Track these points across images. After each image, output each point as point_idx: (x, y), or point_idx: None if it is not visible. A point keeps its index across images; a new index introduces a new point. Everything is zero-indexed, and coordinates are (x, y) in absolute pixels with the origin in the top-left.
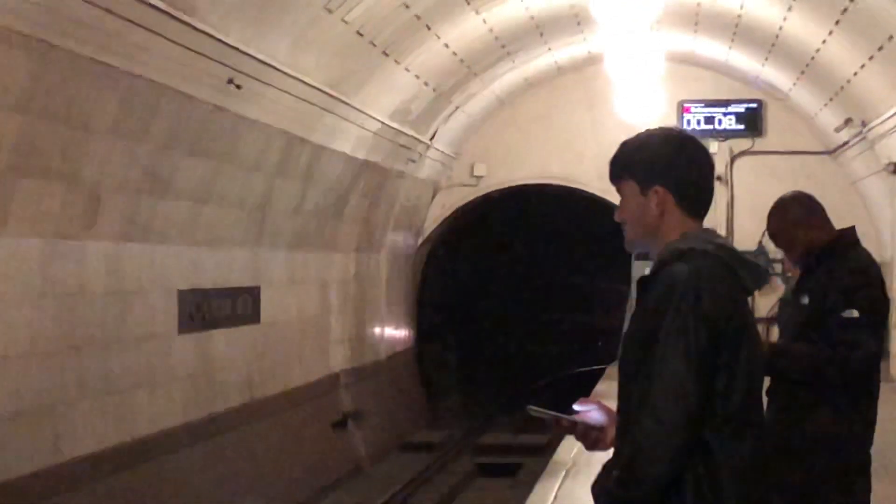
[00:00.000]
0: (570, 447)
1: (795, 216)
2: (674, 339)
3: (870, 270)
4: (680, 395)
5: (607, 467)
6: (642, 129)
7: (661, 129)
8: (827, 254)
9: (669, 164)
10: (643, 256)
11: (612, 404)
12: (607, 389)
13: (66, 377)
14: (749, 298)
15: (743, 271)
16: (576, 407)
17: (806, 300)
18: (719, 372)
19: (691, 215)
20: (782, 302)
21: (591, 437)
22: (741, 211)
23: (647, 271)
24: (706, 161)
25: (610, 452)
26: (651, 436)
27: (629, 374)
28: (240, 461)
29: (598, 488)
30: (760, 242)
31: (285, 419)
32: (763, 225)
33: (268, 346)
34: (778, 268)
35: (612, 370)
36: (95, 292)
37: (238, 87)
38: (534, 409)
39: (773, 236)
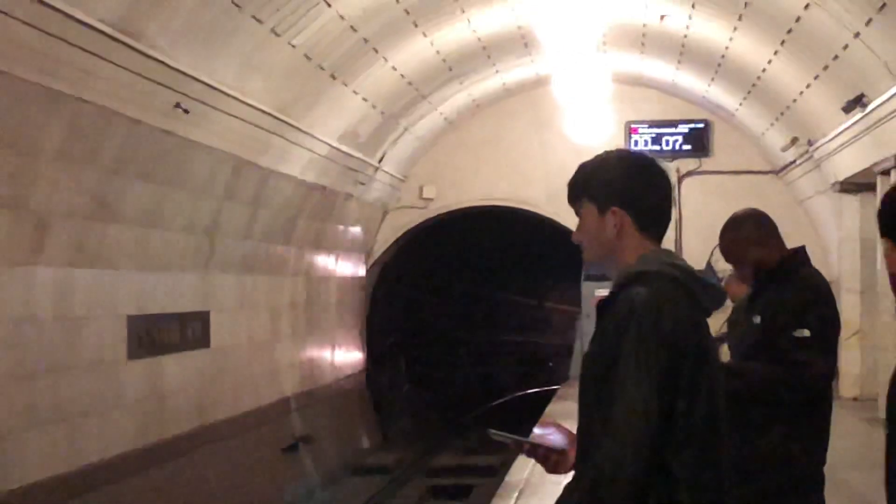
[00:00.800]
0: (522, 468)
1: (749, 233)
2: (634, 362)
3: (820, 289)
4: (641, 417)
5: (569, 489)
6: (590, 151)
7: (619, 150)
8: (778, 273)
9: (627, 186)
10: (593, 277)
11: (569, 425)
12: (560, 410)
13: (15, 404)
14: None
15: (701, 292)
16: (536, 430)
17: (758, 319)
18: (680, 395)
19: (649, 236)
20: (731, 322)
21: (551, 460)
22: (689, 230)
23: (597, 293)
24: (664, 183)
25: (570, 475)
26: (613, 458)
27: (589, 397)
28: (191, 487)
29: None
30: (709, 262)
31: (236, 444)
32: (711, 244)
33: (218, 370)
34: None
35: (564, 391)
36: (45, 318)
37: (186, 111)
38: (495, 433)
39: (725, 253)
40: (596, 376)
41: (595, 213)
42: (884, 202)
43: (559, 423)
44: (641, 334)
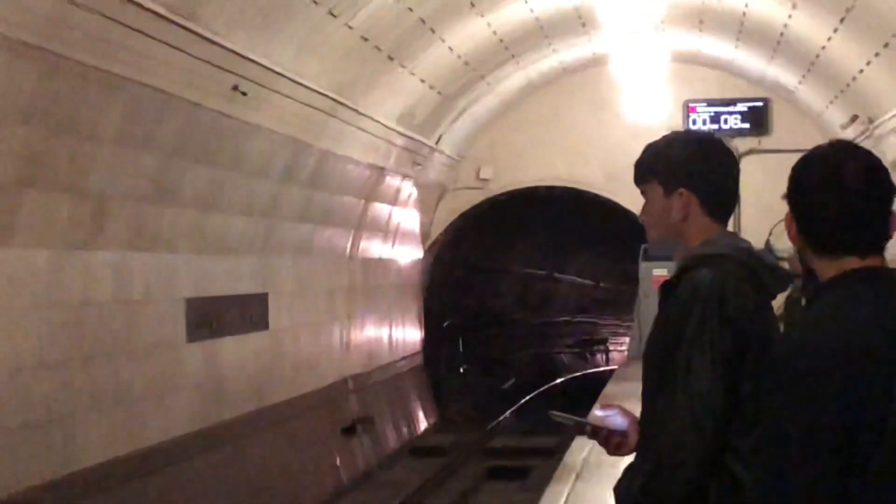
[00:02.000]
0: (580, 450)
1: None
2: (699, 345)
3: None
4: (707, 400)
5: (631, 468)
6: (647, 130)
7: (686, 131)
8: None
9: (694, 168)
10: (651, 258)
11: (630, 406)
12: (619, 391)
13: (76, 387)
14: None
15: (766, 275)
16: (597, 412)
17: (804, 303)
18: (744, 378)
19: (715, 219)
20: (789, 301)
21: (613, 442)
22: (748, 209)
23: (655, 273)
24: (731, 165)
25: (632, 456)
26: (676, 442)
27: (653, 379)
28: (250, 469)
29: (623, 492)
30: (768, 241)
31: (294, 426)
32: (770, 224)
33: (276, 352)
34: (786, 266)
35: (622, 371)
36: (104, 302)
37: (244, 93)
38: (556, 415)
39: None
40: (659, 359)
41: (661, 194)
42: (790, 180)
43: (621, 405)
44: (705, 317)
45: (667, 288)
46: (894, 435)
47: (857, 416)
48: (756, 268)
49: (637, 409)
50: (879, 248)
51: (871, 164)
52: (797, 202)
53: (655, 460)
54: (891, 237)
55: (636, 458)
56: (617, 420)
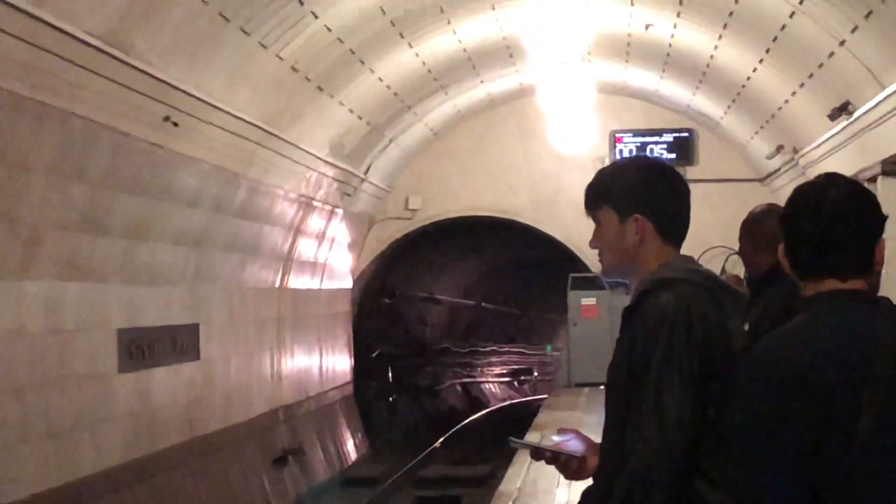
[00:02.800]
0: (514, 478)
1: (744, 241)
2: (668, 369)
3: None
4: (675, 425)
5: (589, 493)
6: (574, 160)
7: (637, 157)
8: (767, 279)
9: (649, 192)
10: (578, 287)
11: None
12: (549, 420)
13: (7, 419)
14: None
15: (724, 298)
16: (555, 437)
17: (746, 326)
18: (711, 401)
19: (670, 243)
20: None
21: (572, 467)
22: None
23: (583, 301)
24: (684, 189)
25: (588, 481)
26: (648, 466)
27: (618, 405)
28: (181, 500)
29: None
30: (723, 268)
31: (226, 456)
32: (696, 253)
33: (207, 383)
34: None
35: (552, 400)
36: (35, 332)
37: (175, 124)
38: (515, 441)
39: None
40: (625, 384)
41: (615, 219)
42: (784, 208)
43: (578, 430)
44: (673, 342)
45: (628, 312)
46: (861, 448)
47: (825, 430)
48: (714, 290)
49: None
50: (861, 273)
51: (852, 192)
52: (785, 230)
53: (627, 484)
54: (877, 262)
55: (595, 482)
56: (574, 445)
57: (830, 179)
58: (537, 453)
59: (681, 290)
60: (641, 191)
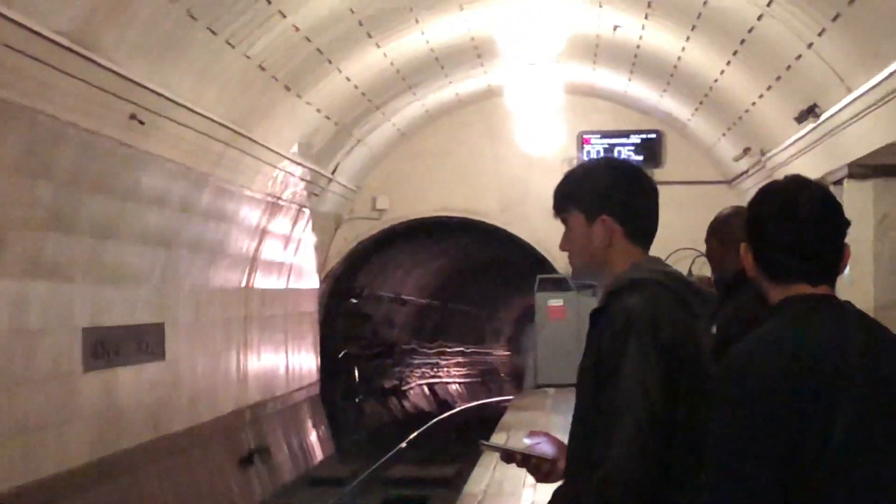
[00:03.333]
0: (480, 479)
1: (711, 243)
2: (638, 371)
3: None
4: (648, 426)
5: (559, 494)
6: (542, 161)
7: (605, 158)
8: (735, 283)
9: (616, 194)
10: (545, 288)
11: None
12: (515, 420)
13: None
14: None
15: (692, 299)
16: (525, 440)
17: (714, 329)
18: (679, 403)
19: (638, 245)
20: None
21: (542, 469)
22: None
23: (550, 303)
24: (652, 190)
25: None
26: (623, 467)
27: (586, 408)
28: (146, 499)
29: None
30: (689, 270)
31: (191, 456)
32: (663, 255)
33: (173, 382)
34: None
35: (519, 401)
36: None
37: (142, 122)
38: (486, 444)
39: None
40: (593, 386)
41: (583, 222)
42: (749, 209)
43: (548, 433)
44: (641, 344)
45: (596, 315)
46: (837, 451)
47: (800, 433)
48: (682, 292)
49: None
50: (829, 278)
51: (824, 197)
52: (752, 232)
53: (601, 487)
54: (842, 269)
55: (565, 483)
56: (545, 448)
57: (800, 182)
58: (509, 456)
59: (649, 291)
60: (609, 193)
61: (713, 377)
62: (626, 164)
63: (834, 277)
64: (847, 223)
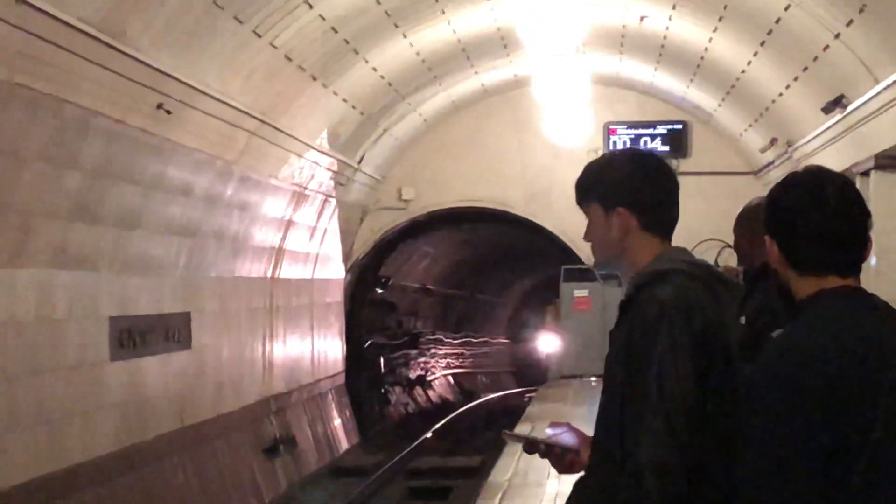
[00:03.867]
0: (504, 470)
1: (740, 232)
2: (670, 361)
3: None
4: (684, 413)
5: (582, 484)
6: (568, 152)
7: (624, 150)
8: (762, 273)
9: (632, 186)
10: (570, 279)
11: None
12: (540, 411)
13: None
14: None
15: (721, 289)
16: (548, 430)
17: (743, 320)
18: (709, 395)
19: (657, 236)
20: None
21: (564, 460)
22: None
23: (576, 293)
24: (670, 180)
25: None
26: (659, 461)
27: (616, 398)
28: (172, 488)
29: None
30: (716, 261)
31: (216, 445)
32: (689, 246)
33: (199, 372)
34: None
35: (543, 392)
36: (26, 321)
37: (168, 112)
38: (508, 434)
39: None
40: (623, 377)
41: (601, 213)
42: (769, 204)
43: (570, 424)
44: (674, 335)
45: (625, 305)
46: (877, 445)
47: (843, 427)
48: (710, 281)
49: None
50: (857, 269)
51: (849, 187)
52: (779, 224)
53: (636, 477)
54: (865, 259)
55: (587, 474)
56: (567, 438)
57: (824, 173)
58: (531, 446)
59: (678, 282)
60: (624, 185)
61: (742, 369)
62: (644, 155)
63: (860, 269)
64: (870, 214)
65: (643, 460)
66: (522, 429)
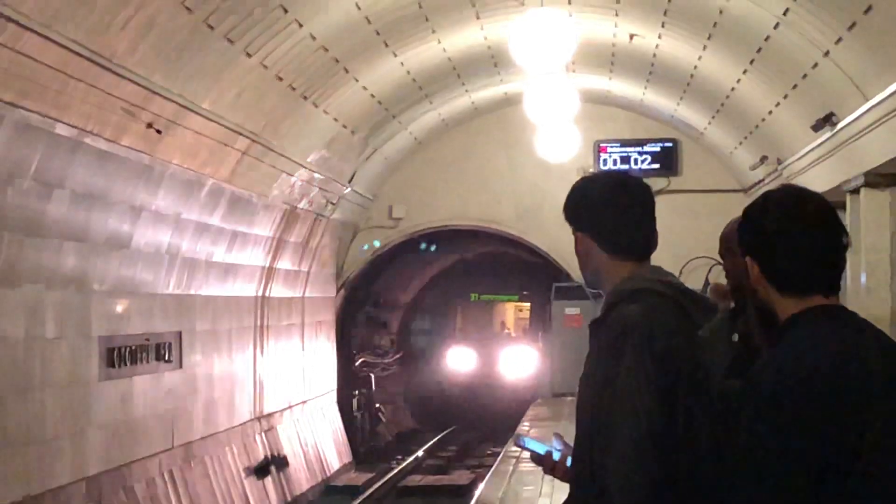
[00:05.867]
0: (496, 487)
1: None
2: (633, 382)
3: None
4: (646, 437)
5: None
6: (559, 169)
7: (599, 173)
8: (755, 290)
9: (589, 210)
10: (561, 296)
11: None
12: (528, 429)
13: None
14: None
15: (692, 307)
16: (555, 443)
17: (736, 337)
18: (677, 412)
19: (624, 259)
20: (713, 333)
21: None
22: (658, 248)
23: (566, 311)
24: (635, 204)
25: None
26: (624, 481)
27: (587, 416)
28: None
29: None
30: (678, 278)
31: (207, 464)
32: (680, 263)
33: (189, 391)
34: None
35: (534, 410)
36: (17, 340)
37: (158, 131)
38: (520, 441)
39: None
40: (594, 396)
41: (576, 235)
42: (748, 224)
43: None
44: (636, 353)
45: (596, 325)
46: (868, 459)
47: (836, 440)
48: (681, 300)
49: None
50: (838, 288)
51: (827, 207)
52: (759, 246)
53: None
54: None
55: (571, 494)
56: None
57: (801, 194)
58: (541, 459)
59: (646, 301)
60: (582, 208)
61: (728, 384)
62: (610, 178)
63: (839, 287)
64: (847, 232)
65: (615, 490)
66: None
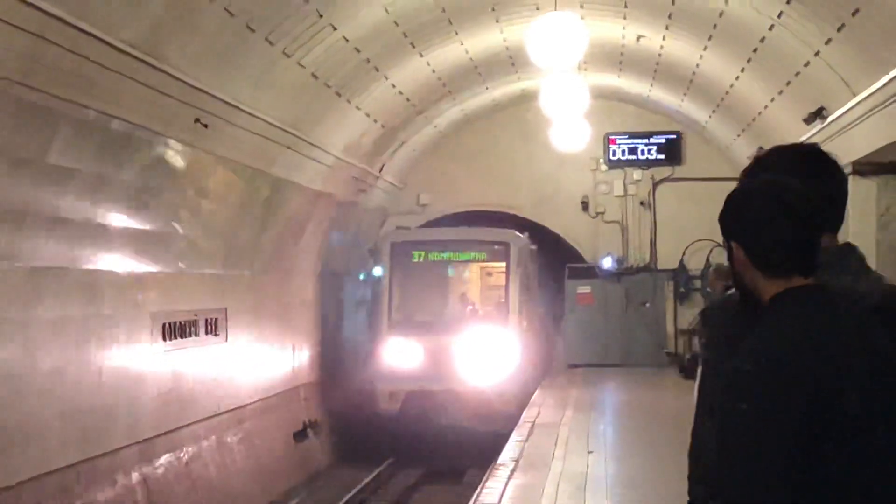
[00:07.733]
0: (510, 450)
1: None
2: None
3: None
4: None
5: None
6: (572, 160)
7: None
8: None
9: (738, 221)
10: (574, 276)
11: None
12: (541, 399)
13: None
14: (672, 310)
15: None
16: None
17: None
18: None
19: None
20: (706, 314)
21: None
22: (663, 233)
23: (579, 290)
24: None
25: None
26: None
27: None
28: (209, 469)
29: None
30: (681, 260)
31: (250, 429)
32: (683, 245)
33: (234, 362)
34: (697, 283)
35: (550, 381)
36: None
37: (205, 126)
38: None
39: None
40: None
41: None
42: (732, 212)
43: None
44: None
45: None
46: (843, 426)
47: (816, 411)
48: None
49: None
50: (816, 269)
51: (807, 194)
52: (744, 232)
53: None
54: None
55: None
56: None
57: (780, 183)
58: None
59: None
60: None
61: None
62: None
63: (816, 268)
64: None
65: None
66: (530, 413)
